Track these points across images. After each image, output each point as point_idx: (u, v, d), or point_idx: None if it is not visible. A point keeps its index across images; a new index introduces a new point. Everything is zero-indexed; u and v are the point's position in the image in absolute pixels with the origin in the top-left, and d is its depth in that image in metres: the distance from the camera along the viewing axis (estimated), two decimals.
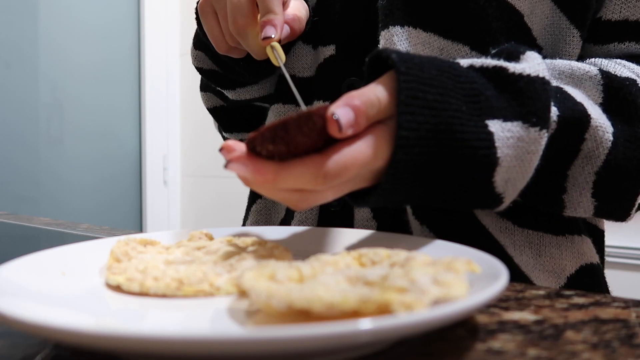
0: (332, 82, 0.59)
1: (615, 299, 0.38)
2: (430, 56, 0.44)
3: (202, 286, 0.36)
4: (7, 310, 0.27)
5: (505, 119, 0.42)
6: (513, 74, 0.44)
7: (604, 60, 0.53)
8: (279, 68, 0.54)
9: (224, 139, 0.82)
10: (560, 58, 0.55)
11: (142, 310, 0.35)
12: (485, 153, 0.41)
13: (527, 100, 0.43)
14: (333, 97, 0.59)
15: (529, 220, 0.54)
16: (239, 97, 0.70)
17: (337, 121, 0.36)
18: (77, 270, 0.40)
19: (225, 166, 0.37)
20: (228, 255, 0.41)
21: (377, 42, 0.56)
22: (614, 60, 0.53)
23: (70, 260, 0.41)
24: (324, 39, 0.60)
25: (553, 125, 0.45)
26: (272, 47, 0.50)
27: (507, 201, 0.45)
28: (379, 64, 0.43)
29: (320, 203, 0.40)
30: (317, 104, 0.60)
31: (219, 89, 0.71)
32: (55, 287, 0.36)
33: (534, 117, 0.43)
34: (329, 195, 0.39)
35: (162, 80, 2.38)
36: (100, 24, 2.24)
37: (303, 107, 0.45)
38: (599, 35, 0.56)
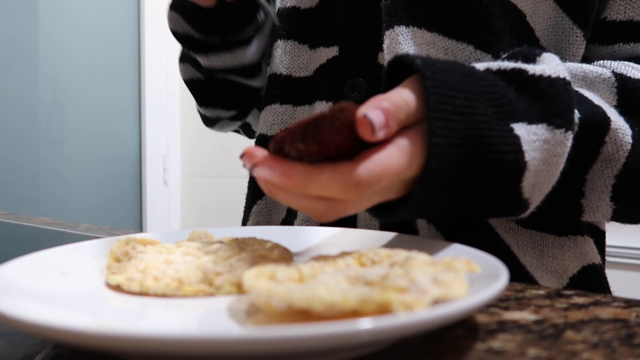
0: (335, 83, 0.59)
1: (615, 299, 0.38)
2: (450, 60, 0.43)
3: (202, 286, 0.36)
4: (7, 310, 0.27)
5: (530, 121, 0.41)
6: (533, 75, 0.42)
7: (613, 62, 0.53)
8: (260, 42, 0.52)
9: (201, 115, 0.80)
10: (564, 58, 0.55)
11: (142, 310, 0.35)
12: (513, 158, 0.40)
13: (550, 101, 0.42)
14: (336, 99, 0.59)
15: (532, 221, 0.54)
16: (212, 64, 0.68)
17: (370, 123, 0.34)
18: (77, 270, 0.40)
19: (251, 170, 0.35)
20: (228, 255, 0.41)
21: (381, 42, 0.56)
22: (624, 62, 0.53)
23: (70, 260, 0.41)
24: (326, 40, 0.60)
25: (575, 128, 0.44)
26: None
27: (532, 207, 0.44)
28: (398, 70, 0.42)
29: (346, 215, 0.38)
30: (320, 105, 0.60)
31: (192, 53, 0.69)
32: (55, 287, 0.36)
33: (558, 118, 0.42)
34: (357, 206, 0.37)
35: (162, 80, 2.38)
36: (100, 24, 2.24)
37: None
38: (603, 36, 0.56)
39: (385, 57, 0.54)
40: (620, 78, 0.50)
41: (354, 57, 0.59)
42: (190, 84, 0.77)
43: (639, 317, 0.34)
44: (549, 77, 0.42)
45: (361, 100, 0.58)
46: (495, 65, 0.44)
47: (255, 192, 0.67)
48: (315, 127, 0.34)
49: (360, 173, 0.35)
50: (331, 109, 0.34)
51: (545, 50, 0.52)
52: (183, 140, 2.43)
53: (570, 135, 0.42)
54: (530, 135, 0.41)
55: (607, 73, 0.50)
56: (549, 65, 0.43)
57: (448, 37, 0.53)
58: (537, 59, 0.45)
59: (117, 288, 0.38)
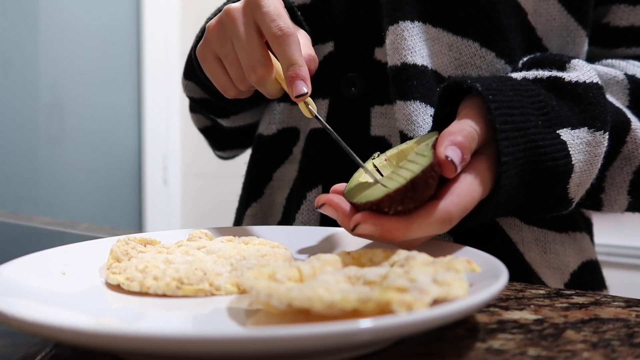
0: (331, 79, 0.59)
1: (615, 298, 0.38)
2: (495, 76, 0.46)
3: (202, 285, 0.36)
4: (7, 309, 0.27)
5: (573, 126, 0.45)
6: (570, 82, 0.46)
7: (622, 62, 0.55)
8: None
9: (217, 155, 0.81)
10: None
11: (142, 310, 0.35)
12: (563, 162, 0.43)
13: (588, 106, 0.45)
14: (332, 94, 0.59)
15: (533, 218, 0.55)
16: (234, 124, 0.68)
17: (452, 163, 0.37)
18: (77, 270, 0.40)
19: (353, 230, 0.38)
20: (228, 255, 0.41)
21: (380, 37, 0.56)
22: (632, 62, 0.55)
23: (70, 260, 0.41)
24: (322, 37, 0.60)
25: (609, 129, 0.47)
26: (305, 101, 0.47)
27: (574, 204, 0.47)
28: (449, 91, 0.45)
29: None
30: (317, 103, 0.59)
31: (213, 117, 0.69)
32: (55, 287, 0.36)
33: (597, 121, 0.45)
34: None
35: (162, 79, 2.38)
36: (100, 23, 2.24)
37: (349, 151, 0.44)
38: (607, 40, 0.58)
39: (388, 52, 0.53)
40: (632, 80, 0.53)
41: (349, 52, 0.58)
42: (205, 131, 0.76)
43: (639, 317, 0.34)
44: (584, 82, 0.46)
45: (358, 96, 0.58)
46: (530, 74, 0.47)
47: (250, 194, 0.66)
48: (412, 190, 0.36)
49: (450, 208, 0.37)
50: (423, 170, 0.36)
51: (541, 50, 0.53)
52: (183, 140, 2.43)
53: (607, 136, 0.46)
54: (574, 140, 0.44)
55: (620, 75, 0.53)
56: (581, 71, 0.47)
57: (453, 33, 0.53)
58: (567, 65, 0.48)
59: (117, 287, 0.38)
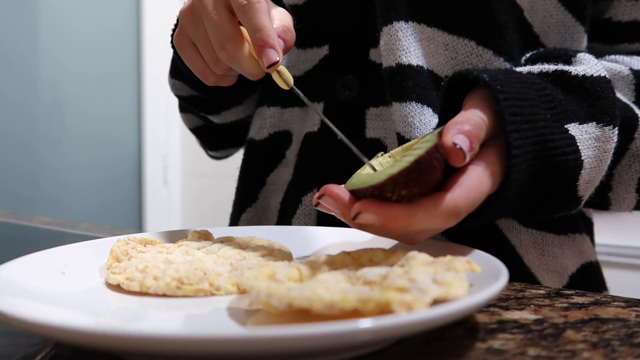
0: (326, 83, 0.58)
1: (615, 298, 0.38)
2: (501, 69, 0.45)
3: (202, 285, 0.36)
4: (7, 309, 0.27)
5: (581, 121, 0.43)
6: (577, 76, 0.45)
7: (626, 57, 0.55)
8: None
9: (210, 156, 0.80)
10: None
11: (142, 310, 0.35)
12: (572, 158, 0.42)
13: (596, 100, 0.44)
14: (328, 97, 0.58)
15: (533, 220, 0.54)
16: (225, 120, 0.68)
17: (461, 150, 0.35)
18: (77, 270, 0.40)
19: (354, 220, 0.36)
20: (228, 255, 0.41)
21: (376, 38, 0.55)
22: (635, 57, 0.55)
23: (70, 260, 0.41)
24: (316, 40, 0.59)
25: (618, 124, 0.46)
26: (278, 71, 0.44)
27: (582, 203, 0.46)
28: (454, 84, 0.44)
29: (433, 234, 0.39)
30: (313, 106, 0.59)
31: (203, 114, 0.67)
32: (55, 287, 0.36)
33: (606, 116, 0.44)
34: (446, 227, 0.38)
35: (162, 79, 2.38)
36: (100, 24, 2.24)
37: (333, 129, 0.42)
38: (609, 36, 0.57)
39: (383, 53, 0.53)
40: (638, 75, 0.52)
41: (345, 54, 0.58)
42: (197, 131, 0.74)
43: (639, 317, 0.34)
44: (592, 76, 0.45)
45: (354, 99, 0.57)
46: (535, 68, 0.46)
47: (244, 199, 0.64)
48: (416, 171, 0.34)
49: (458, 202, 0.36)
50: (427, 150, 0.34)
51: (539, 47, 0.53)
52: (183, 140, 2.43)
53: (616, 131, 0.44)
54: (583, 135, 0.43)
55: (625, 70, 0.52)
56: (588, 65, 0.46)
57: (449, 32, 0.53)
58: (573, 59, 0.47)
59: (117, 287, 0.38)
